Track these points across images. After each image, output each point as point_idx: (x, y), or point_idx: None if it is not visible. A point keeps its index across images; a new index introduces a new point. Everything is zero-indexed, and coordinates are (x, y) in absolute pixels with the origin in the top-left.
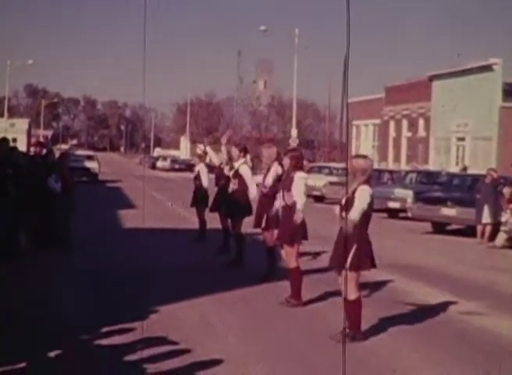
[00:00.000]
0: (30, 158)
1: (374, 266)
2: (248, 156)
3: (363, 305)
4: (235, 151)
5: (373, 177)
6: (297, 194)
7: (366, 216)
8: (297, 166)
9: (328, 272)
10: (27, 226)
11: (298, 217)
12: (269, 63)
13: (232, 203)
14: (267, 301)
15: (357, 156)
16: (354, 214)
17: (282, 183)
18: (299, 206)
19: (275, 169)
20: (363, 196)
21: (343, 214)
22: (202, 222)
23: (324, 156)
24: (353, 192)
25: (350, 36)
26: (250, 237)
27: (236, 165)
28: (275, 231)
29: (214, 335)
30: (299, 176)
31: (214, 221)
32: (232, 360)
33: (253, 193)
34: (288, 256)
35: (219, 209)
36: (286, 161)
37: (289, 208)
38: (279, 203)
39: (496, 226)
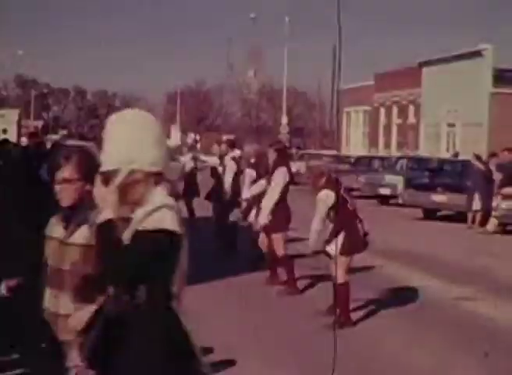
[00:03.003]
0: (22, 148)
1: (365, 246)
2: (236, 151)
3: (355, 290)
4: (222, 147)
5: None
6: (272, 189)
7: (340, 204)
8: (282, 158)
9: (316, 256)
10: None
11: (263, 218)
12: (259, 51)
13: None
14: (260, 288)
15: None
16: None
17: (270, 174)
18: (266, 204)
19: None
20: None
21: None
22: (191, 211)
23: (315, 144)
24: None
25: (340, 29)
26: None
27: (225, 160)
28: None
29: (207, 324)
30: (280, 171)
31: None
32: (225, 348)
33: (226, 189)
34: (275, 244)
35: (214, 198)
36: (272, 154)
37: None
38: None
39: (487, 212)
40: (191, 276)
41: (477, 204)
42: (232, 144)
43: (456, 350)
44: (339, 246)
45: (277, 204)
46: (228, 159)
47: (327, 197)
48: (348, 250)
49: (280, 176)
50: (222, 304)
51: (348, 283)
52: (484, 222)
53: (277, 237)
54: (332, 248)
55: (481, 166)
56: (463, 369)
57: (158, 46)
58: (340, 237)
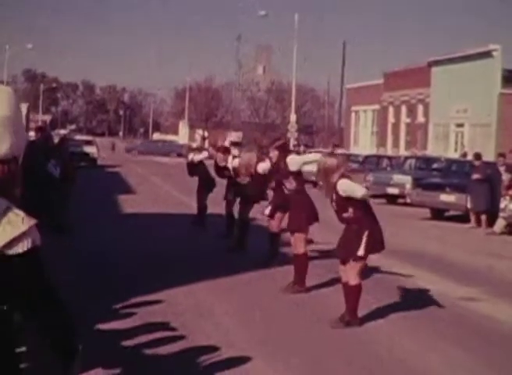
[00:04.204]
0: (29, 143)
1: (383, 247)
2: (230, 157)
3: (362, 290)
4: (219, 156)
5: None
6: (294, 162)
7: (363, 202)
8: (285, 154)
9: (329, 258)
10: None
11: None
12: (268, 48)
13: (244, 189)
14: (268, 287)
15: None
16: (360, 191)
17: (278, 175)
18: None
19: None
20: (347, 184)
21: (344, 215)
22: (203, 207)
23: (323, 142)
24: (336, 192)
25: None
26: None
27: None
28: (282, 217)
29: (213, 321)
30: (290, 158)
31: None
32: (231, 346)
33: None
34: (296, 242)
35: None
36: (274, 152)
37: (296, 194)
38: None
39: (494, 213)
40: (198, 273)
41: (478, 204)
42: (227, 151)
43: (460, 350)
44: (363, 246)
45: (300, 201)
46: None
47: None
48: (369, 250)
49: (293, 161)
50: (228, 302)
51: (361, 285)
52: (490, 222)
53: (299, 236)
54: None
55: (480, 166)
56: (467, 370)
57: (167, 42)
58: (364, 237)
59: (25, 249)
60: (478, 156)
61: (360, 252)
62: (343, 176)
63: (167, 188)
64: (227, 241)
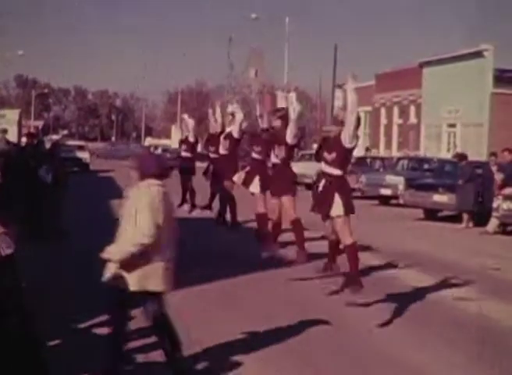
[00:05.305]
0: (21, 148)
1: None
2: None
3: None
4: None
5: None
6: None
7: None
8: (286, 123)
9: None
10: (16, 218)
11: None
12: (260, 51)
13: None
14: (263, 289)
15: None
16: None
17: (274, 140)
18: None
19: None
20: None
21: (326, 156)
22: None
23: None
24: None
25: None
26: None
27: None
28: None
29: (206, 325)
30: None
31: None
32: (223, 350)
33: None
34: (287, 207)
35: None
36: (277, 122)
37: (282, 165)
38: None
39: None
40: (190, 277)
41: (463, 204)
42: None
43: (455, 350)
44: (341, 207)
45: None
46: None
47: None
48: (349, 209)
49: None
50: (220, 305)
51: (355, 243)
52: (479, 222)
53: (289, 201)
54: (333, 212)
55: (464, 166)
56: (463, 370)
57: (159, 46)
58: (340, 198)
59: None
60: (462, 157)
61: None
62: None
63: None
64: (217, 240)
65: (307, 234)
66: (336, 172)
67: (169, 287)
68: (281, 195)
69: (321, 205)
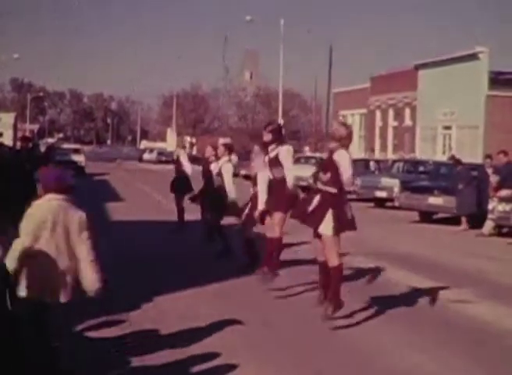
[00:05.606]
0: (16, 152)
1: (354, 227)
2: (233, 156)
3: (351, 293)
4: (220, 148)
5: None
6: (287, 167)
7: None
8: (279, 139)
9: (310, 264)
10: (13, 221)
11: (290, 185)
12: (255, 54)
13: (215, 198)
14: (259, 291)
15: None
16: (348, 176)
17: (269, 160)
18: (289, 180)
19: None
20: (345, 159)
21: (321, 176)
22: (180, 210)
23: (310, 147)
24: (331, 153)
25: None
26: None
27: (220, 162)
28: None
29: (202, 327)
30: (285, 149)
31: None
32: (221, 352)
33: (230, 193)
34: (275, 222)
35: (201, 201)
36: (268, 136)
37: (279, 181)
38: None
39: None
40: (185, 280)
41: (462, 207)
42: (230, 149)
43: (452, 352)
44: (331, 226)
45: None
46: (224, 161)
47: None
48: (339, 228)
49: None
50: (216, 308)
51: (341, 266)
52: (477, 225)
53: (279, 218)
54: (322, 229)
55: (461, 170)
56: (456, 370)
57: (154, 49)
58: (331, 216)
59: None
60: (457, 161)
61: (332, 230)
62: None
63: (154, 195)
64: (210, 245)
65: (288, 239)
66: (332, 190)
67: (60, 296)
68: (273, 210)
69: (313, 217)
